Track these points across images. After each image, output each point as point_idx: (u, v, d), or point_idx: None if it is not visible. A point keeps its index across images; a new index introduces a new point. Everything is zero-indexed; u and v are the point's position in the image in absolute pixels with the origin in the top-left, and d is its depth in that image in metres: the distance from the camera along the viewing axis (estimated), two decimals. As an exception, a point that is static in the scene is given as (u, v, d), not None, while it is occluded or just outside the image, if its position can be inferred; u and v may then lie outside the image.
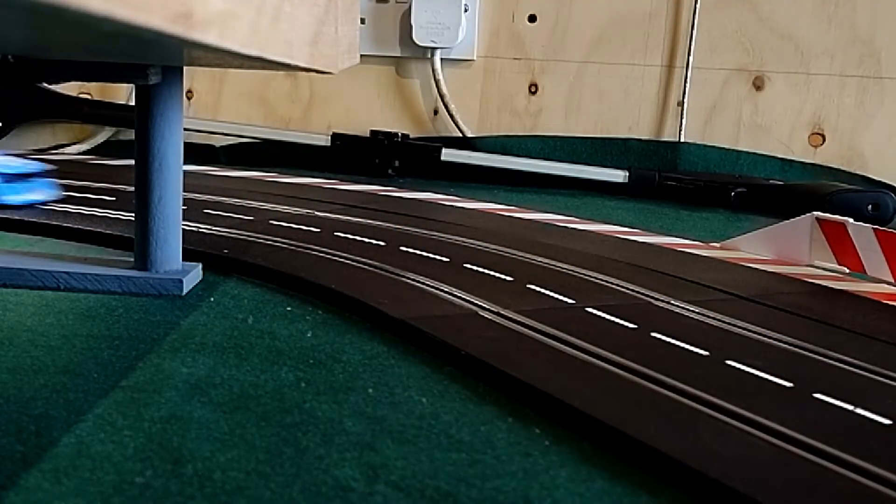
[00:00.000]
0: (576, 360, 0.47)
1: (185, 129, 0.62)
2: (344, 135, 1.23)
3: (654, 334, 0.52)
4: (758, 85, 1.20)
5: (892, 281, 0.67)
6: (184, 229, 0.62)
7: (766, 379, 0.45)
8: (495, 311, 0.55)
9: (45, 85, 1.23)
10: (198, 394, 0.42)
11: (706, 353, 0.49)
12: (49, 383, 0.43)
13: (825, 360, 0.49)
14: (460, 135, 1.26)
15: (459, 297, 0.58)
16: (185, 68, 0.64)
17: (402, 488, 0.34)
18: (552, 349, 0.48)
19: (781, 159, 1.20)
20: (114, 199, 0.87)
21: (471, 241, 0.76)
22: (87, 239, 0.73)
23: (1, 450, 0.36)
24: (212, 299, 0.59)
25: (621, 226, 0.89)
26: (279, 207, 0.87)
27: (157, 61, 0.55)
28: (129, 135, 1.27)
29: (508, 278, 0.63)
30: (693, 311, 0.57)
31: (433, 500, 0.33)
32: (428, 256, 0.69)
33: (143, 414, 0.40)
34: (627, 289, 0.62)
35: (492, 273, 0.65)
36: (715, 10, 1.20)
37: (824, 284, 0.67)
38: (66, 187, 0.92)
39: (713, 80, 1.21)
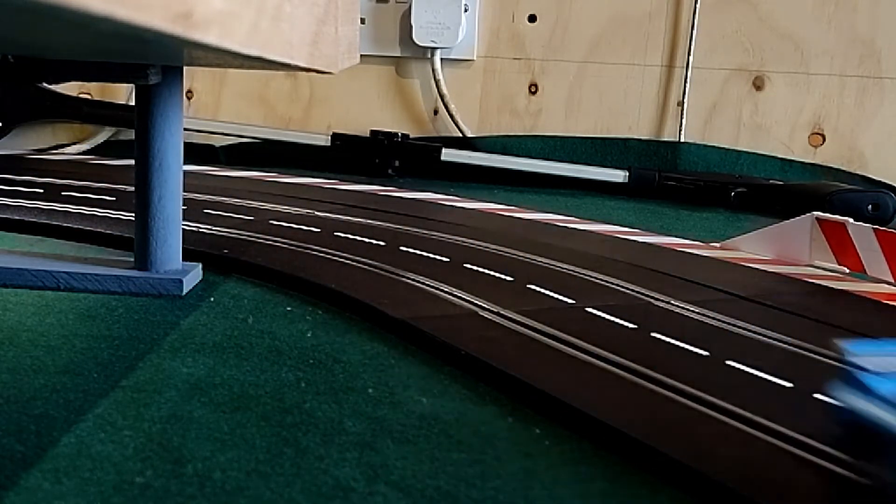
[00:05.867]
0: (576, 360, 0.47)
1: (185, 129, 0.62)
2: (344, 135, 1.23)
3: (654, 334, 0.52)
4: (758, 85, 1.20)
5: (892, 281, 0.67)
6: (184, 229, 0.62)
7: (766, 379, 0.45)
8: (495, 311, 0.55)
9: (45, 85, 1.23)
10: (198, 394, 0.42)
11: (706, 353, 0.49)
12: (49, 383, 0.43)
13: (825, 360, 0.49)
14: (460, 135, 1.26)
15: (459, 297, 0.58)
16: (185, 68, 0.64)
17: (402, 488, 0.34)
18: (552, 349, 0.48)
19: (781, 159, 1.20)
20: (114, 199, 0.87)
21: (471, 241, 0.76)
22: (87, 239, 0.73)
23: (1, 450, 0.36)
24: (212, 299, 0.59)
25: (621, 226, 0.89)
26: (279, 207, 0.86)
27: (157, 61, 0.55)
28: (129, 135, 1.27)
29: (508, 278, 0.63)
30: (693, 311, 0.57)
31: (433, 500, 0.33)
32: (428, 256, 0.69)
33: (143, 414, 0.40)
34: (627, 289, 0.62)
35: (492, 273, 0.65)
36: (715, 10, 1.20)
37: (824, 284, 0.67)
38: (66, 187, 0.92)
39: (713, 80, 1.21)
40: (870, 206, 1.02)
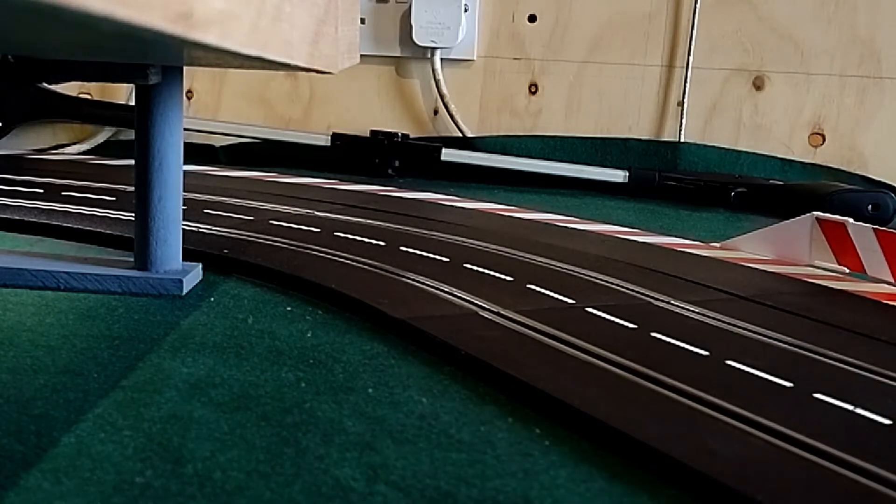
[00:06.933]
0: (576, 360, 0.47)
1: (185, 129, 0.62)
2: (344, 135, 1.23)
3: (654, 334, 0.52)
4: (758, 85, 1.20)
5: (892, 281, 0.67)
6: (184, 229, 0.62)
7: (766, 379, 0.45)
8: (495, 311, 0.55)
9: (45, 85, 1.23)
10: (198, 394, 0.42)
11: (706, 353, 0.49)
12: (49, 383, 0.43)
13: (825, 360, 0.49)
14: (460, 135, 1.26)
15: (459, 297, 0.58)
16: (185, 68, 0.64)
17: (402, 488, 0.34)
18: (552, 349, 0.48)
19: (781, 159, 1.20)
20: (114, 199, 0.87)
21: (471, 241, 0.76)
22: (87, 239, 0.73)
23: (1, 450, 0.36)
24: (212, 299, 0.59)
25: (621, 226, 0.89)
26: (279, 207, 0.87)
27: (157, 61, 0.55)
28: (129, 135, 1.27)
29: (508, 278, 0.63)
30: (693, 311, 0.57)
31: (433, 500, 0.33)
32: (428, 256, 0.69)
33: (143, 414, 0.40)
34: (627, 289, 0.62)
35: (492, 273, 0.65)
36: (715, 10, 1.20)
37: (824, 284, 0.67)
38: (66, 187, 0.92)
39: (713, 80, 1.21)
40: (870, 206, 1.02)
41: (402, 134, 1.22)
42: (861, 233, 0.69)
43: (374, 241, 0.73)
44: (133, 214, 0.60)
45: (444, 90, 1.25)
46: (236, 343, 0.50)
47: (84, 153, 1.27)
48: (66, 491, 0.33)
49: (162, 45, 0.36)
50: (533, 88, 1.26)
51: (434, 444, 0.38)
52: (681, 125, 1.22)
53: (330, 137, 1.22)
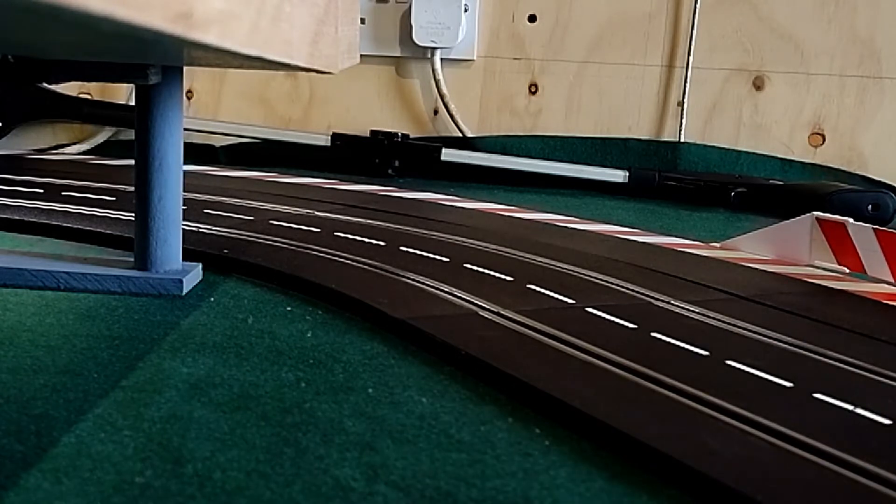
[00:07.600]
0: (576, 360, 0.47)
1: (185, 129, 0.62)
2: (344, 135, 1.23)
3: (654, 334, 0.52)
4: (758, 85, 1.20)
5: (892, 281, 0.67)
6: (184, 229, 0.62)
7: (766, 379, 0.45)
8: (495, 311, 0.55)
9: (45, 85, 1.23)
10: (198, 394, 0.42)
11: (706, 353, 0.49)
12: (49, 383, 0.43)
13: (825, 360, 0.49)
14: (460, 135, 1.26)
15: (459, 297, 0.58)
16: (185, 68, 0.64)
17: (402, 488, 0.34)
18: (552, 349, 0.48)
19: (781, 159, 1.20)
20: (114, 199, 0.87)
21: (471, 241, 0.76)
22: (87, 239, 0.73)
23: (1, 450, 0.36)
24: (212, 299, 0.59)
25: (621, 226, 0.89)
26: (279, 207, 0.86)
27: (157, 61, 0.55)
28: (129, 135, 1.27)
29: (508, 278, 0.63)
30: (693, 311, 0.57)
31: (433, 500, 0.34)
32: (428, 256, 0.69)
33: (143, 414, 0.40)
34: (627, 289, 0.62)
35: (492, 273, 0.65)
36: (715, 10, 1.20)
37: (824, 284, 0.67)
38: (66, 187, 0.92)
39: (713, 80, 1.21)
40: (870, 206, 1.02)
41: (402, 134, 1.22)
42: (861, 233, 0.69)
43: (374, 241, 0.73)
44: (133, 214, 0.60)
45: (444, 90, 1.25)
46: (236, 343, 0.50)
47: (84, 153, 1.27)
48: (66, 491, 0.33)
49: (162, 45, 0.36)
50: (533, 88, 1.26)
51: (434, 444, 0.38)
52: (681, 125, 1.22)
53: (330, 137, 1.22)
